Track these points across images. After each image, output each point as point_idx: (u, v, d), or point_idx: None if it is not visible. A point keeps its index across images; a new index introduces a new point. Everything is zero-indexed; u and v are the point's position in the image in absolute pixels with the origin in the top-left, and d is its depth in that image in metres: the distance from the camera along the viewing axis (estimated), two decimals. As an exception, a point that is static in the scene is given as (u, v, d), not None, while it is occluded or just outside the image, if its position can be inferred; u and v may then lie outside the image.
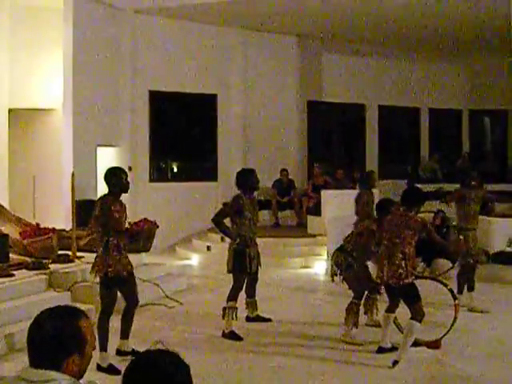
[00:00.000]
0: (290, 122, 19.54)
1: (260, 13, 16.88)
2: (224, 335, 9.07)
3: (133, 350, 7.97)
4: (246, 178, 9.32)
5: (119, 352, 8.05)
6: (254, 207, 9.34)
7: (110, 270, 7.70)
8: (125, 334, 8.15)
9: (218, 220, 9.27)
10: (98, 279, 8.03)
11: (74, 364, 2.94)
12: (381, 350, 8.18)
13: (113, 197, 7.86)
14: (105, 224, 7.72)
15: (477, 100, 22.79)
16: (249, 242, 9.19)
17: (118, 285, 7.87)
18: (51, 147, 14.77)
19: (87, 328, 3.02)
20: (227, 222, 9.43)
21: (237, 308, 9.19)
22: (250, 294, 9.76)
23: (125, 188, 7.94)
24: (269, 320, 9.91)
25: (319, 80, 20.90)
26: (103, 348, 7.68)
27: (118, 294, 8.01)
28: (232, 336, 9.01)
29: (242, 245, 9.14)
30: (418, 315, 7.79)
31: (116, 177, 7.92)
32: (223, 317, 9.11)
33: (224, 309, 9.12)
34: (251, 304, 9.84)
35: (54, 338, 2.92)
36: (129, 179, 8.15)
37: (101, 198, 8.00)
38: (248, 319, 9.85)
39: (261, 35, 18.75)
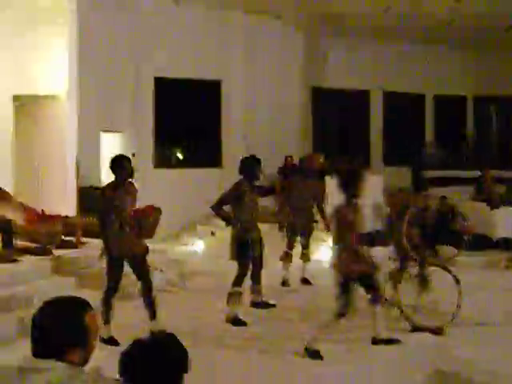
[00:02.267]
0: (294, 108, 19.54)
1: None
2: (228, 320, 9.10)
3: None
4: (251, 167, 9.36)
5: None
6: (255, 194, 9.38)
7: (113, 251, 8.14)
8: (150, 315, 8.35)
9: (216, 207, 9.35)
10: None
11: (77, 355, 2.96)
12: (375, 342, 8.12)
13: (113, 185, 8.28)
14: (106, 210, 8.19)
15: (482, 87, 22.74)
16: (249, 227, 9.22)
17: (129, 265, 8.34)
18: (55, 133, 14.75)
19: (92, 321, 3.05)
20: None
21: (241, 293, 9.21)
22: (255, 279, 9.77)
23: (127, 174, 8.31)
24: (273, 306, 9.93)
25: (323, 66, 20.87)
26: (107, 321, 8.16)
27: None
28: (236, 321, 9.04)
29: (243, 231, 9.18)
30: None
31: (119, 165, 8.27)
32: (228, 302, 9.14)
33: (229, 294, 9.14)
34: (256, 290, 9.85)
35: (60, 331, 2.95)
36: (132, 165, 8.48)
37: (103, 186, 8.52)
38: (253, 304, 9.87)
39: (265, 21, 18.69)
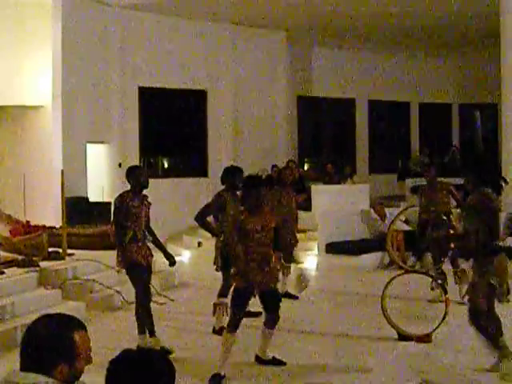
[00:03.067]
0: (279, 116, 19.56)
1: (249, 7, 16.86)
2: (215, 331, 9.08)
3: (162, 347, 7.98)
4: (231, 176, 9.33)
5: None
6: (237, 204, 9.34)
7: (131, 259, 8.08)
8: (147, 329, 8.24)
9: (199, 218, 9.36)
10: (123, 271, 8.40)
11: (61, 373, 2.95)
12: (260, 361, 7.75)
13: (129, 193, 8.30)
14: (120, 219, 8.14)
15: (467, 94, 22.85)
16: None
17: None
18: (40, 144, 14.72)
19: (82, 340, 3.03)
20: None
21: (227, 304, 9.18)
22: None
23: (141, 184, 8.32)
24: (259, 314, 9.89)
25: (309, 74, 20.94)
26: (141, 331, 8.09)
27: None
28: (223, 332, 9.00)
29: (227, 242, 9.15)
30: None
31: (133, 174, 8.35)
32: (214, 313, 9.10)
33: (214, 305, 9.11)
34: None
35: (46, 345, 2.95)
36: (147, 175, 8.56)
37: (118, 195, 8.41)
38: None
39: (250, 30, 18.75)
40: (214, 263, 9.28)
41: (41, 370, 2.91)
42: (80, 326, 3.07)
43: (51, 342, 2.94)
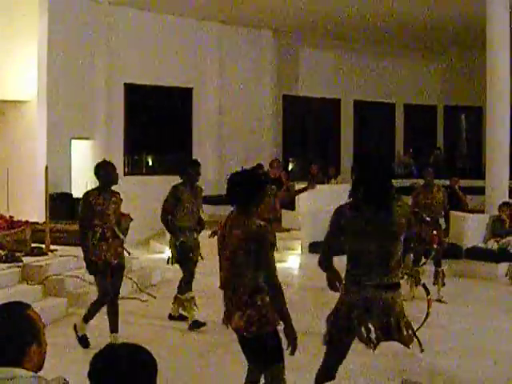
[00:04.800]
0: (265, 115, 19.57)
1: (236, 6, 16.86)
2: (171, 317, 9.57)
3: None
4: (185, 169, 9.32)
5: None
6: (196, 198, 9.34)
7: (96, 258, 7.99)
8: (114, 327, 8.29)
9: (166, 219, 9.28)
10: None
11: (35, 354, 2.97)
12: None
13: (97, 191, 8.15)
14: (86, 217, 8.03)
15: (452, 96, 22.93)
16: (186, 233, 9.19)
17: (111, 272, 8.17)
18: (25, 139, 14.67)
19: (37, 316, 3.06)
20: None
21: (194, 297, 9.31)
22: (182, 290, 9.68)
23: (107, 181, 8.14)
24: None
25: (295, 74, 20.94)
26: (86, 320, 8.20)
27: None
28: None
29: (182, 236, 9.18)
30: None
31: (101, 170, 8.18)
32: (174, 301, 9.35)
33: (178, 300, 9.28)
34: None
35: (11, 333, 2.94)
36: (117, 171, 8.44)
37: (86, 192, 8.29)
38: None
39: (237, 29, 18.76)
40: (169, 261, 9.41)
41: (14, 360, 2.89)
42: (26, 304, 3.10)
43: (16, 327, 2.95)
